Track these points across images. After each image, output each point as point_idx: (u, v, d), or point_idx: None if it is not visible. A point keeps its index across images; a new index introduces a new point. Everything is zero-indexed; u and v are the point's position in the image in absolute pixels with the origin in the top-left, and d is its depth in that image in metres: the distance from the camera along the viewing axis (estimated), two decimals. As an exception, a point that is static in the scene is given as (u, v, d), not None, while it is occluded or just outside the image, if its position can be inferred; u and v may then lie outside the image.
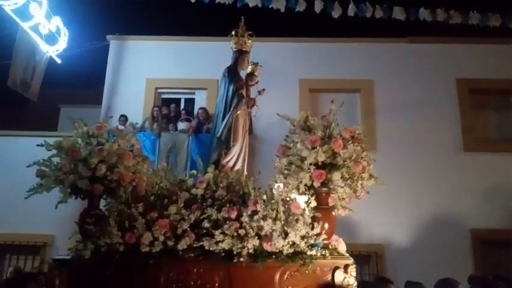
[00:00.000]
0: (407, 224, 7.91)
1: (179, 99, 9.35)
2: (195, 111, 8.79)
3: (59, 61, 8.67)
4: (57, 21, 8.32)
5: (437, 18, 6.91)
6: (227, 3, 6.43)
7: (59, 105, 11.25)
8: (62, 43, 8.58)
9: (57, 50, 8.54)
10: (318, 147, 3.18)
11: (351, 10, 6.67)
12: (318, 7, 6.54)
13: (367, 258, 7.82)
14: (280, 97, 7.76)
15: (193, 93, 9.27)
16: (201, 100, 9.03)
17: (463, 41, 8.84)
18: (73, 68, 9.19)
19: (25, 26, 7.61)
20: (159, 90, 9.26)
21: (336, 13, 6.57)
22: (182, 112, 8.77)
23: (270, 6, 6.47)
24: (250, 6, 6.37)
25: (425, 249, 7.68)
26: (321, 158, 3.14)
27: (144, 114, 8.77)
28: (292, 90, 8.71)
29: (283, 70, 8.22)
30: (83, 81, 10.53)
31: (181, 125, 8.36)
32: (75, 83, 10.78)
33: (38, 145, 3.37)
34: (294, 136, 3.38)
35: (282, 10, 6.50)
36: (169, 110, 8.75)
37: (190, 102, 9.31)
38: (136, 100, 8.92)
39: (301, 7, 6.49)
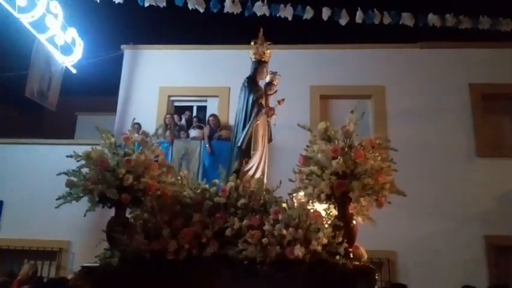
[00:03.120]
0: (420, 230, 7.80)
1: (191, 107, 9.49)
2: (207, 119, 8.92)
3: (74, 71, 8.89)
4: (72, 33, 8.53)
5: (447, 23, 6.91)
6: (235, 13, 6.54)
7: (76, 113, 11.54)
8: (78, 53, 8.80)
9: (72, 61, 8.76)
10: (339, 157, 3.17)
11: (359, 17, 6.71)
12: (325, 14, 6.61)
13: (379, 265, 7.77)
14: (291, 104, 7.76)
15: (205, 101, 9.40)
16: (212, 108, 9.15)
17: (475, 46, 8.74)
18: (88, 77, 9.43)
19: (41, 38, 7.83)
20: (172, 98, 9.40)
21: (343, 20, 6.63)
22: (194, 119, 8.90)
23: (277, 15, 6.56)
24: (258, 15, 6.48)
25: (438, 255, 7.60)
26: (342, 168, 3.14)
27: (157, 121, 8.91)
28: (303, 96, 8.74)
29: (294, 77, 8.23)
30: (99, 89, 10.79)
31: (193, 132, 8.48)
32: (91, 91, 11.08)
33: (68, 156, 3.42)
34: (314, 146, 3.37)
35: (290, 18, 6.59)
36: (180, 117, 8.88)
37: (202, 109, 9.43)
38: (149, 108, 9.07)
39: (308, 15, 6.57)
